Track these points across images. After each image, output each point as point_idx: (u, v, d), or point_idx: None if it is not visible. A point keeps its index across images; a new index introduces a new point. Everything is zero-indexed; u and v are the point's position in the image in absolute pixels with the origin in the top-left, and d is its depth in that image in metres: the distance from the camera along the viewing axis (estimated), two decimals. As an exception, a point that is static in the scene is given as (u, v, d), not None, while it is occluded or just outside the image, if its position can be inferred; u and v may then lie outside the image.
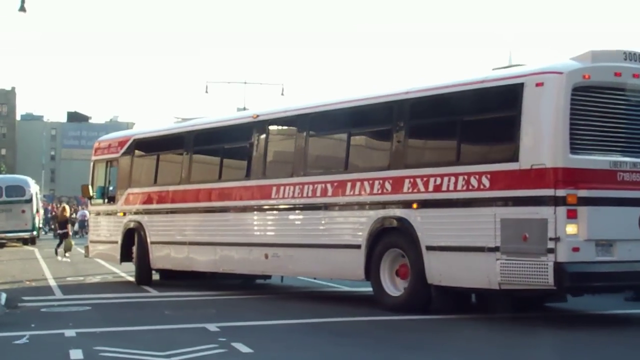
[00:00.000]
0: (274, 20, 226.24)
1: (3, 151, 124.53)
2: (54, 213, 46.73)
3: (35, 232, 35.60)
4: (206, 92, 56.34)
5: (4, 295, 15.28)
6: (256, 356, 9.94)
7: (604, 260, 11.60)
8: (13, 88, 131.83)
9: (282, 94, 56.17)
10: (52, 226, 44.95)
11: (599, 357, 10.13)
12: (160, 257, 18.92)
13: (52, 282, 20.21)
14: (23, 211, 34.20)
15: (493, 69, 14.13)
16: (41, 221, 42.37)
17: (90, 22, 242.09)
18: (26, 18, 39.45)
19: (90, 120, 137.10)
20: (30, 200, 35.26)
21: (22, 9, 29.03)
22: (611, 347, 10.71)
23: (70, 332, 11.56)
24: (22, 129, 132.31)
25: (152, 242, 19.06)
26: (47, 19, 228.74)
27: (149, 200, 19.50)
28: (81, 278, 21.61)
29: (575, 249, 11.40)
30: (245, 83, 57.73)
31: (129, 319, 13.32)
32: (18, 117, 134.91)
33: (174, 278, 19.32)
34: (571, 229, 11.35)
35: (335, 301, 16.86)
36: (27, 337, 10.67)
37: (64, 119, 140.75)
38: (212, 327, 11.93)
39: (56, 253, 26.00)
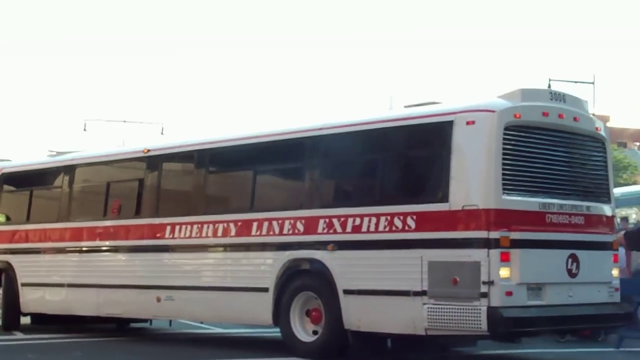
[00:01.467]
0: (150, 59, 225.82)
1: None
2: None
3: None
4: (84, 129, 55.16)
5: None
6: None
7: (534, 304, 11.48)
8: None
9: (162, 133, 54.90)
10: None
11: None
12: (33, 300, 17.73)
13: None
14: None
15: (405, 106, 13.68)
16: None
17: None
18: None
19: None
20: None
21: None
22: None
23: None
24: None
25: (22, 284, 17.74)
26: None
27: (20, 238, 18.27)
28: None
29: (509, 293, 11.13)
30: (124, 122, 56.50)
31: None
32: None
33: (48, 322, 17.81)
34: (504, 272, 11.05)
35: (215, 344, 16.10)
36: None
37: None
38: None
39: None
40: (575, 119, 12.52)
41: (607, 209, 12.92)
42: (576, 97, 12.95)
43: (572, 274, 11.87)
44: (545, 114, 12.05)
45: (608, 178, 13.31)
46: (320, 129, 13.78)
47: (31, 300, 17.80)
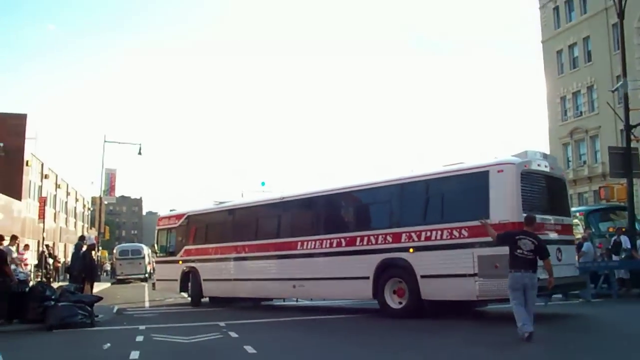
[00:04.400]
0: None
1: (136, 231, 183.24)
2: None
3: (146, 275, 46.60)
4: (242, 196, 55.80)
5: (116, 307, 20.10)
6: (240, 338, 11.79)
7: (541, 278, 12.41)
8: (141, 197, 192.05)
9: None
10: None
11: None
12: (210, 288, 20.91)
13: (146, 302, 24.90)
14: (140, 263, 47.98)
15: (444, 165, 15.15)
16: (152, 269, 50.28)
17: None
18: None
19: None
20: (143, 257, 47.99)
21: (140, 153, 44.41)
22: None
23: (142, 327, 14.12)
24: (146, 219, 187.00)
25: (204, 280, 20.87)
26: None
27: (201, 253, 21.26)
28: (162, 299, 25.86)
29: None
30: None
31: (178, 320, 15.83)
32: (144, 213, 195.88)
33: (219, 301, 21.56)
34: None
35: (332, 310, 18.28)
36: (109, 344, 11.52)
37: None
38: (222, 323, 14.30)
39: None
40: (552, 168, 14.08)
41: (568, 220, 14.34)
42: (552, 155, 13.83)
43: (559, 259, 13.22)
44: (539, 165, 13.53)
45: (568, 202, 14.62)
46: (401, 179, 15.27)
47: (209, 288, 21.01)
